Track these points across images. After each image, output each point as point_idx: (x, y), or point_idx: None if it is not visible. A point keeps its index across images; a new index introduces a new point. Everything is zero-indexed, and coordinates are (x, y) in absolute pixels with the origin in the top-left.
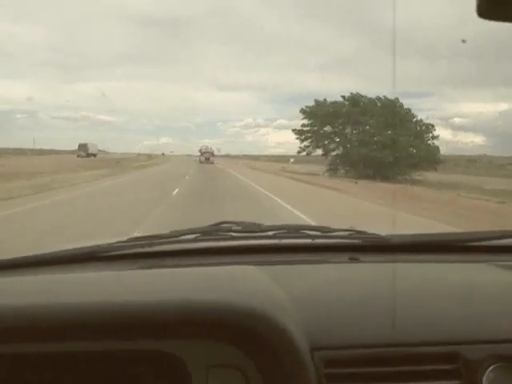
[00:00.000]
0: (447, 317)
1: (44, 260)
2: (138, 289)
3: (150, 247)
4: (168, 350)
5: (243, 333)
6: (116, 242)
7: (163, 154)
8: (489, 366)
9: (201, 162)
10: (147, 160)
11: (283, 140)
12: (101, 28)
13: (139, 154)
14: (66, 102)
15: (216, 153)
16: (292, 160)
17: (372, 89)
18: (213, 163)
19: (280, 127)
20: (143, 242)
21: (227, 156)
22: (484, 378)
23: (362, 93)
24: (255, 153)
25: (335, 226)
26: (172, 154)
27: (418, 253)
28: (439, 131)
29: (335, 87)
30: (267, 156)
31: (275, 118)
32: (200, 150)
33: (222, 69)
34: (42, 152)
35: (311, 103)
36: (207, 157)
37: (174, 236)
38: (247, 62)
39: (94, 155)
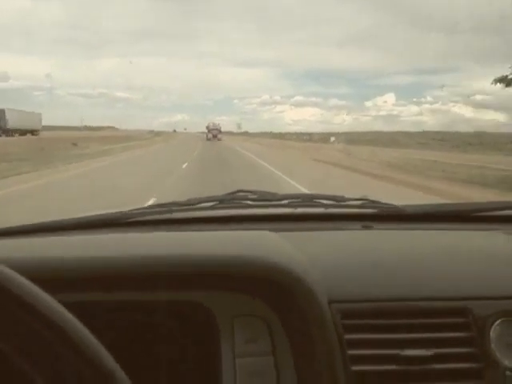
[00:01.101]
0: (458, 276)
1: (71, 225)
2: (166, 246)
3: (170, 214)
4: (197, 300)
5: (267, 285)
6: (136, 209)
7: (174, 130)
8: (496, 320)
9: (208, 139)
10: (148, 139)
11: (300, 117)
12: (119, 4)
13: (150, 132)
14: (84, 79)
15: (236, 130)
16: (333, 139)
17: (392, 64)
18: (220, 140)
19: (297, 104)
20: (162, 209)
21: (245, 134)
22: (491, 331)
23: (382, 69)
24: (271, 130)
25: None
26: (185, 131)
27: (431, 222)
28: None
29: (354, 63)
30: (288, 134)
31: (292, 95)
32: (207, 127)
33: (239, 45)
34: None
35: (329, 79)
36: (214, 134)
37: (191, 204)
38: (264, 37)
39: (33, 132)
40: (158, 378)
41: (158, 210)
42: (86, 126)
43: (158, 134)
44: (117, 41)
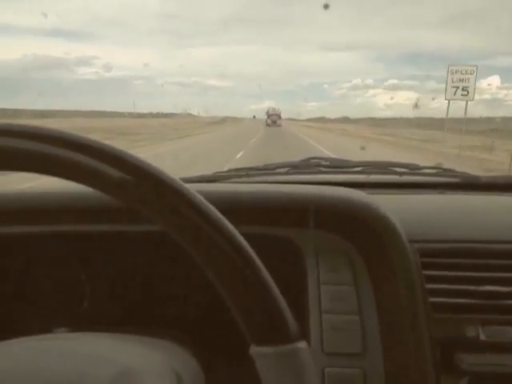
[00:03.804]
0: None
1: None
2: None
3: (248, 177)
4: (288, 236)
5: (351, 222)
6: (217, 172)
7: (254, 116)
8: None
9: (267, 125)
10: (199, 128)
11: (394, 102)
12: None
13: (225, 117)
14: (179, 67)
15: (331, 116)
16: None
17: (497, 44)
18: (280, 126)
19: (391, 88)
20: (241, 173)
21: (345, 119)
22: None
23: (486, 50)
24: (362, 115)
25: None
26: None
27: (509, 192)
28: None
29: (454, 43)
30: (382, 119)
31: (385, 78)
32: (267, 112)
33: (330, 28)
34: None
35: (427, 61)
36: (274, 119)
37: (268, 169)
38: (356, 19)
39: None
40: None
41: (237, 173)
42: (159, 113)
43: (223, 120)
44: (209, 30)
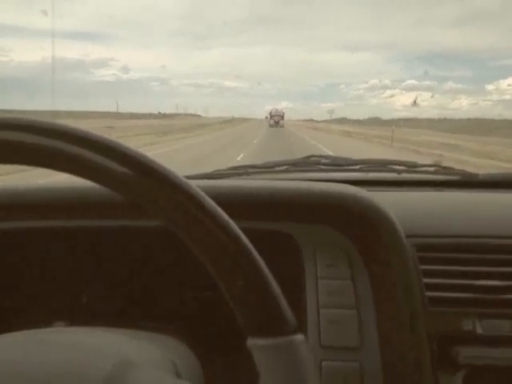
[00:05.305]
0: None
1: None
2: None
3: (248, 175)
4: (286, 231)
5: (349, 217)
6: (217, 171)
7: (266, 117)
8: None
9: (270, 126)
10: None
11: (410, 102)
12: None
13: (231, 118)
14: (196, 69)
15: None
16: None
17: None
18: (283, 127)
19: (409, 88)
20: (240, 171)
21: (375, 121)
22: None
23: (506, 49)
24: (378, 116)
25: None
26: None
27: (507, 189)
28: None
29: (473, 43)
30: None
31: (403, 79)
32: (270, 113)
33: (347, 28)
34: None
35: (445, 61)
36: (276, 120)
37: (267, 166)
38: (374, 19)
39: None
40: None
41: (236, 171)
42: (160, 113)
43: (230, 122)
44: (225, 31)
